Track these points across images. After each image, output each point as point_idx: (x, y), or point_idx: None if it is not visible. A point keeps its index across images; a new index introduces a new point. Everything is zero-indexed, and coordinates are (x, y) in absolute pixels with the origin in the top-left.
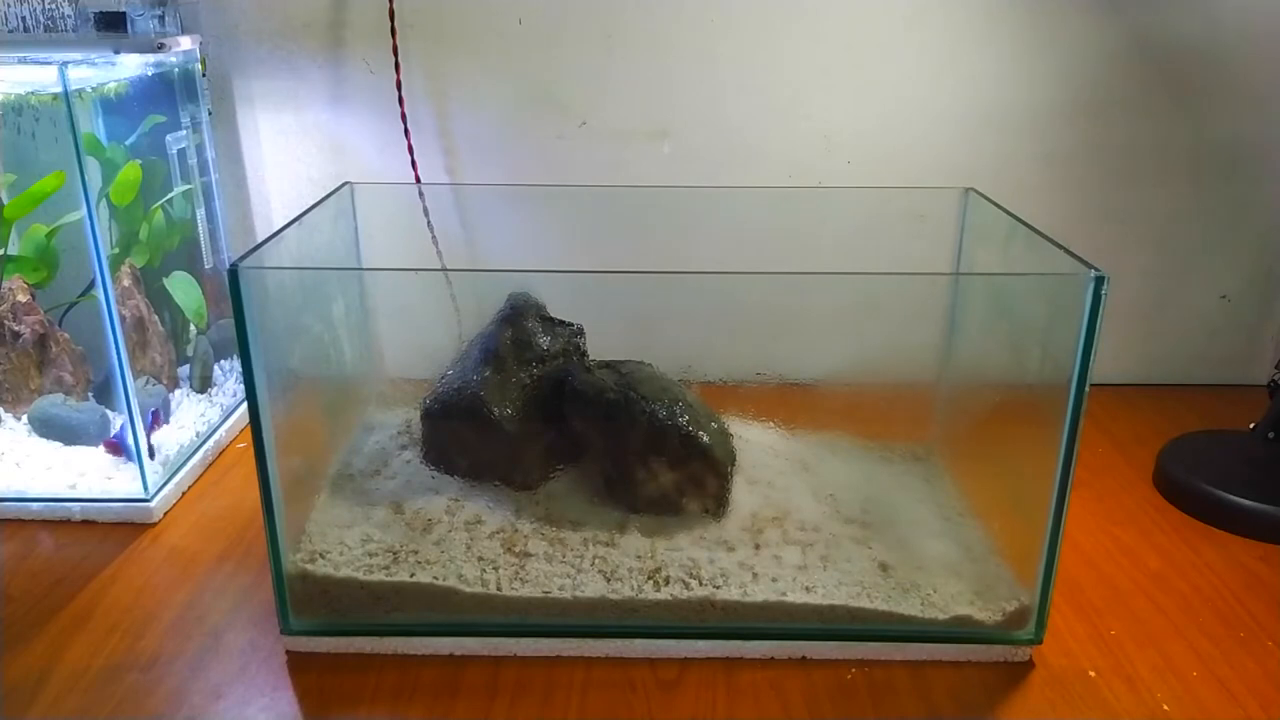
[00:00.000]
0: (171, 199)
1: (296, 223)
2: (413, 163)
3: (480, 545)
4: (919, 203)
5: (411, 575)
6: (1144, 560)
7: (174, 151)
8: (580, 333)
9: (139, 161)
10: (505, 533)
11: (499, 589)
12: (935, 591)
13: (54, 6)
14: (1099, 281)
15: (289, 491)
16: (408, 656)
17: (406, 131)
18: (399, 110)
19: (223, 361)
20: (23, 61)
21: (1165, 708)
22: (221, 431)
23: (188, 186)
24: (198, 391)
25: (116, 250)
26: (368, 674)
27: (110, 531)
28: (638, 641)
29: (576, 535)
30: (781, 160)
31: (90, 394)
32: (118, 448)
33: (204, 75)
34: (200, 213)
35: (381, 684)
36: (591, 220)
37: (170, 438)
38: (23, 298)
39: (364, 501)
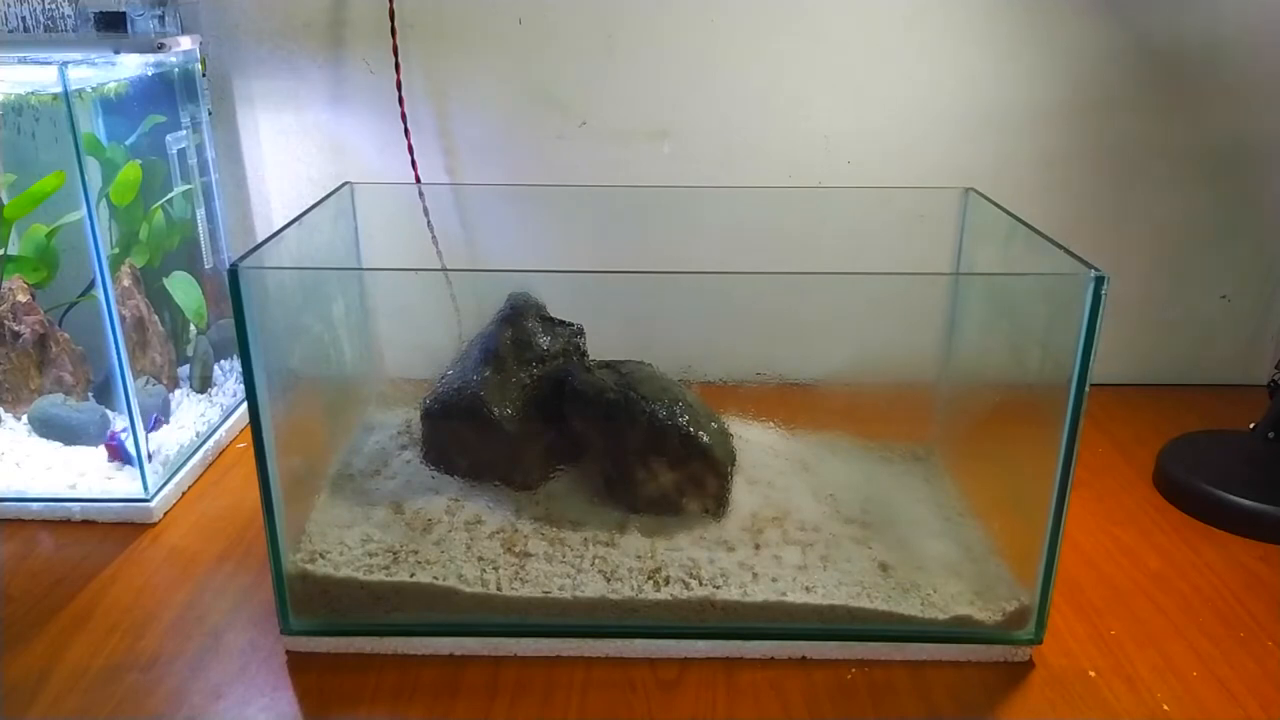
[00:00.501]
0: (171, 199)
1: (296, 223)
2: (413, 163)
3: (480, 545)
4: (919, 203)
5: (411, 575)
6: (1144, 560)
7: (174, 151)
8: (580, 333)
9: (139, 161)
10: (505, 533)
11: (499, 589)
12: (935, 591)
13: (54, 6)
14: (1099, 281)
15: (289, 491)
16: (408, 656)
17: (406, 131)
18: (399, 110)
19: (223, 361)
20: (23, 61)
21: (1165, 708)
22: (221, 431)
23: (188, 186)
24: (198, 391)
25: (116, 250)
26: (368, 674)
27: (110, 531)
28: (638, 641)
29: (576, 535)
30: (781, 160)
31: (90, 394)
32: (117, 452)
33: (204, 75)
34: (200, 213)
35: (381, 684)
36: (591, 220)
37: (170, 438)
38: (23, 298)
39: (364, 501)
